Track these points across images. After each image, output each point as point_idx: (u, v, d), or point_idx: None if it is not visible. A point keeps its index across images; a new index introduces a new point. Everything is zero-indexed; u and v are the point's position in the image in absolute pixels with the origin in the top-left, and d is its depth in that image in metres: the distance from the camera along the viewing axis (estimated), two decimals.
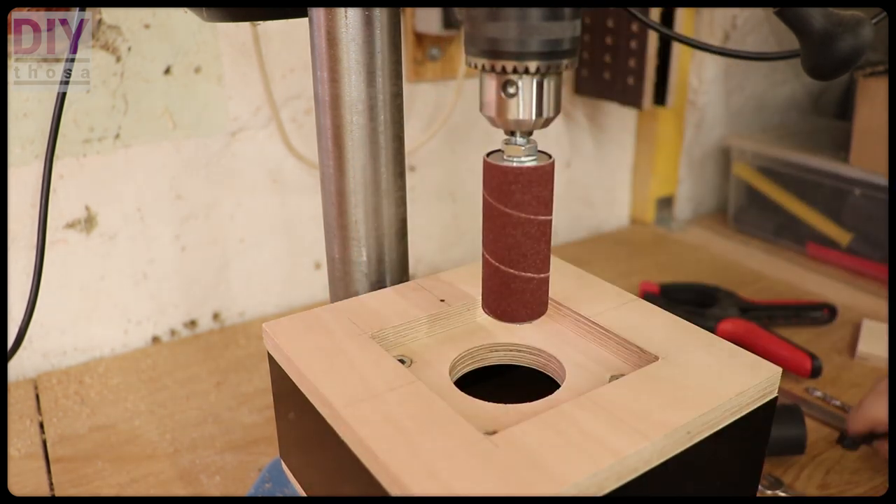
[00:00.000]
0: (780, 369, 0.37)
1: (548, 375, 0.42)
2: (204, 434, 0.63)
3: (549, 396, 0.37)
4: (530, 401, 0.37)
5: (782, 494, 0.54)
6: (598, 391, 0.35)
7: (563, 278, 0.48)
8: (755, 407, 0.36)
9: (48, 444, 0.62)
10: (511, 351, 0.43)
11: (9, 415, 0.66)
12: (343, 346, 0.40)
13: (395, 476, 0.30)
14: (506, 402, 0.37)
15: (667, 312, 0.43)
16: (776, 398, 0.38)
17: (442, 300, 0.45)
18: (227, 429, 0.64)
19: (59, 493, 0.57)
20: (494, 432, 0.33)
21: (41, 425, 0.65)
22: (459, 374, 0.42)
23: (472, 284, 0.46)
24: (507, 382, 0.44)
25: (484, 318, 0.44)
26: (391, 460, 0.30)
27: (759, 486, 0.51)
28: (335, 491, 0.38)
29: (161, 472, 0.58)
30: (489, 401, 0.37)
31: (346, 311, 0.44)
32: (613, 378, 0.39)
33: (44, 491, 0.57)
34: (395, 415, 0.33)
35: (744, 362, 0.38)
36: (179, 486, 0.57)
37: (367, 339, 0.40)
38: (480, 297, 0.40)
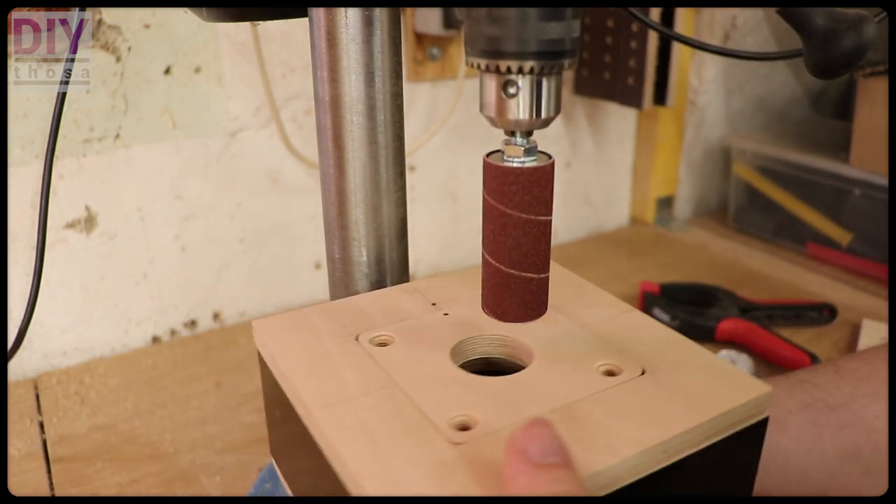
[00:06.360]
0: (770, 389, 0.36)
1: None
2: (204, 434, 0.63)
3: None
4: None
5: None
6: (575, 404, 0.35)
7: (560, 285, 0.47)
8: (741, 428, 0.35)
9: (48, 444, 0.62)
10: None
11: (9, 415, 0.66)
12: (326, 347, 0.39)
13: (357, 481, 0.30)
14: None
15: (661, 325, 0.42)
16: (766, 419, 0.36)
17: (434, 304, 0.44)
18: (227, 429, 0.64)
19: (59, 493, 0.57)
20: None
21: (41, 425, 0.65)
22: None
23: (466, 288, 0.46)
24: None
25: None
26: (355, 464, 0.30)
27: None
28: (313, 491, 0.38)
29: (161, 472, 0.58)
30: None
31: (334, 311, 0.43)
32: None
33: (44, 491, 0.57)
34: (367, 419, 0.33)
35: (734, 381, 0.36)
36: (179, 486, 0.57)
37: (351, 340, 0.40)
38: (475, 302, 0.39)
